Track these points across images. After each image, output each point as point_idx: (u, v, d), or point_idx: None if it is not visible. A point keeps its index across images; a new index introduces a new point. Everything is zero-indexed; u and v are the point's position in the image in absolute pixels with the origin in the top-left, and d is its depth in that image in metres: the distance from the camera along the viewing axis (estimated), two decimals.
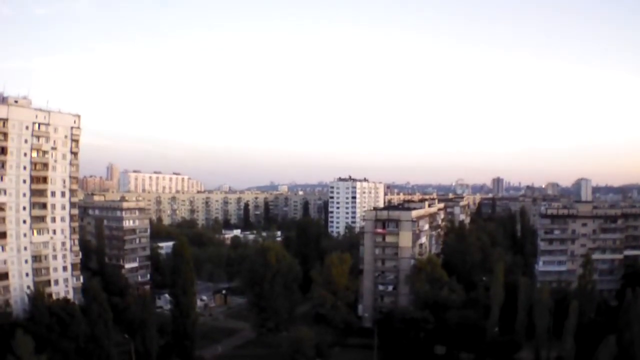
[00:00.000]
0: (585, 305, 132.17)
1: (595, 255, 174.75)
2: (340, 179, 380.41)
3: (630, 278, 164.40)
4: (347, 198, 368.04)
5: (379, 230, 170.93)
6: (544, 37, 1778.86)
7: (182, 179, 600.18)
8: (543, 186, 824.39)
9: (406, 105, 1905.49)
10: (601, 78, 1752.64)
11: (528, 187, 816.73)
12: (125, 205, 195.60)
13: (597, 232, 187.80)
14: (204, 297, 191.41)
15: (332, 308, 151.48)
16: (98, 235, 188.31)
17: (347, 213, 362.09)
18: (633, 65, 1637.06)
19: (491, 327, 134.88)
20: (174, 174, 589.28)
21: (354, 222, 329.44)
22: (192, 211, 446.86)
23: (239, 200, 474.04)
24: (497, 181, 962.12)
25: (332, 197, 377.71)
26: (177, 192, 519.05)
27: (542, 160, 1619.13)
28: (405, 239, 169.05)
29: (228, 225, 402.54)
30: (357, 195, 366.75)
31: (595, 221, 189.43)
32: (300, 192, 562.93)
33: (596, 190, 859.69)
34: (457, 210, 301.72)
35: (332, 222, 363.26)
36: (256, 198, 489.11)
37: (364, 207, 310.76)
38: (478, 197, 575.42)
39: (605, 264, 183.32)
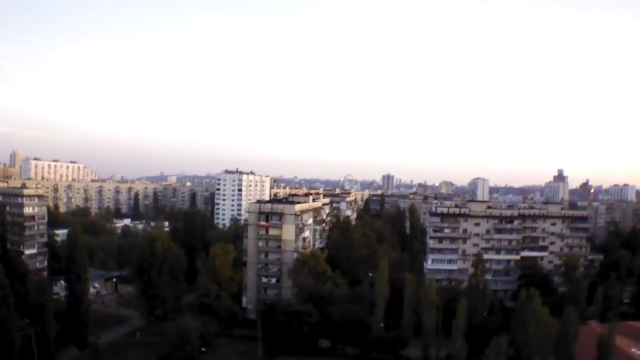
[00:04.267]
0: (477, 304, 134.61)
1: (490, 255, 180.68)
2: (227, 171, 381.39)
3: (526, 279, 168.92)
4: (233, 190, 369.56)
5: (263, 223, 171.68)
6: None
7: (78, 168, 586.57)
8: (436, 184, 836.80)
9: (298, 99, 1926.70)
10: (505, 72, 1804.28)
11: (420, 185, 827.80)
12: (25, 192, 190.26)
13: (491, 232, 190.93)
14: (96, 285, 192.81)
15: (217, 298, 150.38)
16: (0, 222, 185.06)
17: (232, 205, 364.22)
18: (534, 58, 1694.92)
19: (376, 322, 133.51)
20: (71, 162, 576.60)
21: (239, 214, 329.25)
22: (86, 199, 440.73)
23: (129, 189, 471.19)
24: (387, 178, 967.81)
25: (218, 189, 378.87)
26: (74, 180, 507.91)
27: (438, 159, 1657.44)
28: (288, 232, 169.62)
29: (119, 214, 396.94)
30: (243, 188, 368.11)
31: (489, 221, 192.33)
32: (188, 184, 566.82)
33: (495, 190, 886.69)
34: (343, 205, 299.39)
35: (218, 213, 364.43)
36: (146, 188, 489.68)
37: (250, 199, 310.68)
38: (366, 193, 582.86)
39: (501, 264, 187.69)
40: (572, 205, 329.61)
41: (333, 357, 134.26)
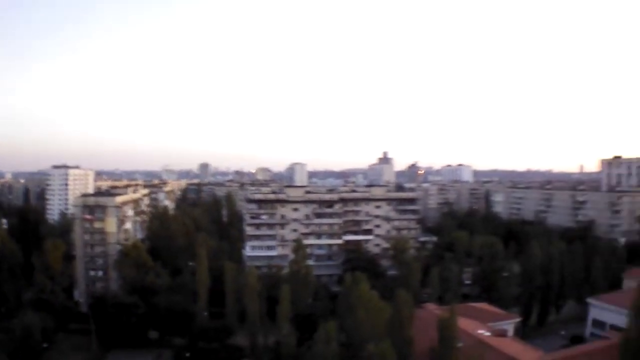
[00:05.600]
0: (301, 290, 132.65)
1: (310, 240, 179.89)
2: (54, 167, 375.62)
3: (351, 263, 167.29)
4: (61, 185, 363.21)
5: (87, 217, 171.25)
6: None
7: None
8: (253, 171, 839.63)
9: (114, 87, 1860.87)
10: (320, 57, 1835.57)
11: (237, 172, 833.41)
12: None
13: (311, 217, 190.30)
14: None
15: (52, 293, 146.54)
16: None
17: (60, 200, 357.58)
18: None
19: (200, 312, 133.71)
20: None
21: (67, 209, 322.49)
22: None
23: None
24: (204, 167, 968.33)
25: (48, 185, 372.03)
26: None
27: (256, 147, 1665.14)
28: (111, 224, 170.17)
29: None
30: (70, 183, 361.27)
31: (308, 206, 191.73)
32: (22, 180, 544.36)
33: (314, 174, 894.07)
34: (161, 196, 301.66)
35: (49, 209, 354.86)
36: None
37: (76, 194, 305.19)
38: (183, 182, 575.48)
39: (323, 249, 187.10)
40: (399, 187, 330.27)
41: (162, 348, 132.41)
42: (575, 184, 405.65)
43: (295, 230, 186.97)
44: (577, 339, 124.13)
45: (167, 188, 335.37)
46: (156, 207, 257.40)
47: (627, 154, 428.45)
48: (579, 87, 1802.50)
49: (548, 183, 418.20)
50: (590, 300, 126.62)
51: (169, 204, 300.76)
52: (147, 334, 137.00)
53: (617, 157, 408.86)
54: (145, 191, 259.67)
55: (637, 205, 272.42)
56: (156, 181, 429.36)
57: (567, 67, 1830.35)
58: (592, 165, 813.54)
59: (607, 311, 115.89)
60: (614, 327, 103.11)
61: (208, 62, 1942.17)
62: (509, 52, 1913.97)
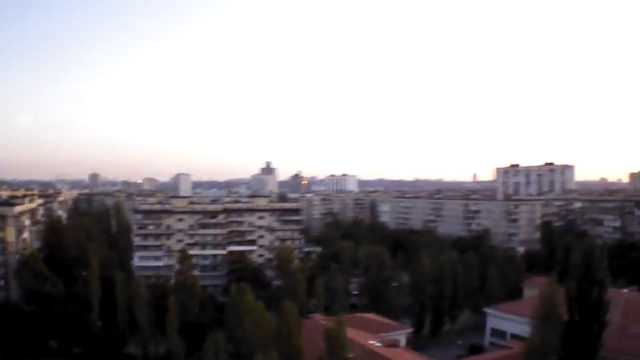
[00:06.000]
0: (188, 300, 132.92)
1: (195, 251, 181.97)
2: None
3: (236, 273, 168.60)
4: None
5: None
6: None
7: None
8: (140, 181, 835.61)
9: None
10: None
11: (124, 182, 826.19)
12: None
13: (195, 227, 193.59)
14: None
15: None
16: None
17: None
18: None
19: (94, 321, 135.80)
20: None
21: None
22: None
23: None
24: (94, 176, 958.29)
25: None
26: None
27: (142, 156, 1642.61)
28: (10, 234, 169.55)
29: None
30: None
31: (192, 216, 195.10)
32: None
33: (199, 185, 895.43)
34: (55, 205, 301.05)
35: None
36: None
37: None
38: (75, 192, 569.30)
39: (208, 259, 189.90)
40: (282, 197, 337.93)
41: (62, 357, 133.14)
42: (468, 193, 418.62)
43: (180, 241, 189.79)
44: (476, 349, 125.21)
45: (61, 198, 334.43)
46: (50, 217, 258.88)
47: (522, 163, 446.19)
48: (468, 98, 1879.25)
49: (438, 192, 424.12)
50: (487, 309, 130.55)
51: (62, 213, 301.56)
52: (48, 343, 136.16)
53: (515, 166, 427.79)
54: (41, 201, 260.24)
55: (535, 214, 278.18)
56: (51, 191, 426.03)
57: (458, 75, 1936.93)
58: (485, 174, 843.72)
59: (507, 320, 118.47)
60: (515, 337, 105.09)
61: (97, 75, 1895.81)
62: (396, 57, 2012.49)
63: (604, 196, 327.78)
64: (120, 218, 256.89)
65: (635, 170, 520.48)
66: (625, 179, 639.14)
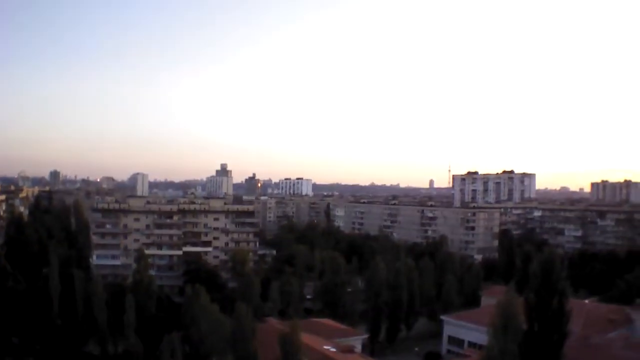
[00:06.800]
0: (145, 300, 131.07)
1: (152, 251, 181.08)
2: None
3: (191, 274, 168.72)
4: None
5: None
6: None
7: None
8: (98, 180, 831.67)
9: None
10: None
11: (84, 181, 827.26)
12: None
13: (152, 227, 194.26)
14: None
15: None
16: None
17: None
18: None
19: (55, 318, 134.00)
20: None
21: None
22: None
23: None
24: (55, 174, 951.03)
25: None
26: None
27: (100, 154, 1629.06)
28: None
29: None
30: None
31: (149, 216, 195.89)
32: None
33: (155, 185, 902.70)
34: (17, 202, 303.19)
35: None
36: None
37: None
38: (36, 189, 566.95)
39: (164, 259, 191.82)
40: (237, 199, 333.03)
41: (24, 355, 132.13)
42: (424, 199, 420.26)
43: (137, 240, 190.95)
44: (433, 356, 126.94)
45: (22, 194, 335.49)
46: (12, 213, 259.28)
47: (481, 170, 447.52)
48: (425, 103, 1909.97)
49: (394, 198, 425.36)
50: (444, 317, 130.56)
51: (23, 210, 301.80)
52: (11, 339, 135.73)
53: (472, 173, 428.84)
54: (2, 197, 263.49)
55: (493, 222, 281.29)
56: (12, 187, 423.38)
57: (415, 82, 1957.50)
58: (442, 181, 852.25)
59: (464, 329, 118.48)
60: (472, 345, 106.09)
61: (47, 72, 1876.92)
62: (352, 62, 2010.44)
63: (565, 205, 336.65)
64: (79, 216, 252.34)
65: (597, 180, 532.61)
66: (587, 188, 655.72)
